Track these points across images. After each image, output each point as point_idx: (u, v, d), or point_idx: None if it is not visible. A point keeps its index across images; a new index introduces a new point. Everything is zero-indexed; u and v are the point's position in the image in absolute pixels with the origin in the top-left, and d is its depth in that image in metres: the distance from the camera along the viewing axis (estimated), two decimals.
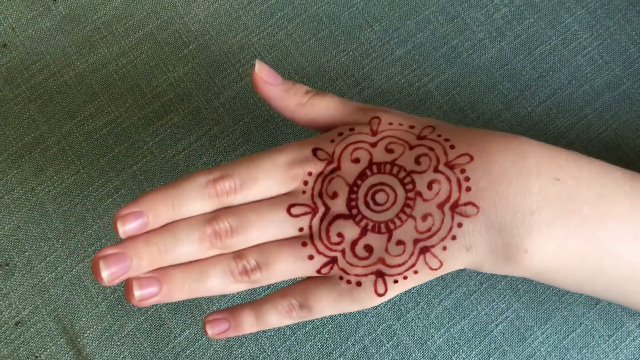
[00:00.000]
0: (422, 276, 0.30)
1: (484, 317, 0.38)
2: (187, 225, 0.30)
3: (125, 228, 0.29)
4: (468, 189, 0.29)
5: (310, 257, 0.30)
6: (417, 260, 0.29)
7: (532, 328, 0.38)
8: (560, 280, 0.31)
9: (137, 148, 0.41)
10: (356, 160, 0.30)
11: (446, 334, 0.38)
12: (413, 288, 0.39)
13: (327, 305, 0.30)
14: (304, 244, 0.30)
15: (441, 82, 0.42)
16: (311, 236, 0.30)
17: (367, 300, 0.30)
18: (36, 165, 0.41)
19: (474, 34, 0.43)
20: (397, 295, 0.39)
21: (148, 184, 0.41)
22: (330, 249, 0.30)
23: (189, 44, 0.43)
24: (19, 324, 0.39)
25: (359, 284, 0.30)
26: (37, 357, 0.38)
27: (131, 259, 0.29)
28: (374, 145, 0.31)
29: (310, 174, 0.31)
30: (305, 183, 0.31)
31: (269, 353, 0.38)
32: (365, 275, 0.30)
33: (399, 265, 0.29)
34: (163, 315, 0.39)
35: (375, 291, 0.30)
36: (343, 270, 0.30)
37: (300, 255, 0.30)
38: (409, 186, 0.30)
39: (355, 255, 0.30)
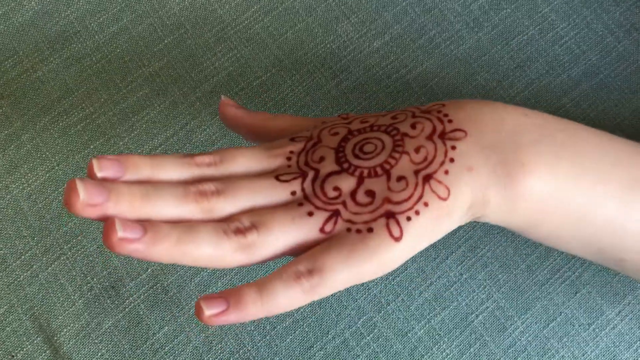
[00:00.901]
0: (434, 209, 0.28)
1: (464, 308, 0.38)
2: (168, 184, 0.28)
3: (102, 167, 0.27)
4: (450, 120, 0.30)
5: (310, 214, 0.28)
6: (423, 189, 0.28)
7: (513, 318, 0.38)
8: (555, 223, 0.30)
9: (113, 144, 0.41)
10: (335, 134, 0.30)
11: (427, 325, 0.38)
12: (393, 280, 0.39)
13: (340, 263, 0.27)
14: (300, 204, 0.28)
15: (419, 74, 0.42)
16: (306, 196, 0.29)
17: (384, 248, 0.27)
18: (10, 162, 0.41)
19: (451, 25, 0.43)
20: (378, 287, 0.38)
21: None
22: (330, 203, 0.28)
23: (164, 37, 0.43)
24: None
25: (370, 230, 0.27)
26: (13, 356, 0.38)
27: (110, 192, 0.26)
28: (348, 123, 0.31)
29: (291, 152, 0.30)
30: (289, 159, 0.30)
31: (249, 348, 0.38)
32: (374, 219, 0.28)
33: (407, 200, 0.28)
34: (141, 312, 0.38)
35: (390, 234, 0.27)
36: (349, 221, 0.28)
37: (299, 213, 0.28)
38: (394, 132, 0.30)
39: (357, 203, 0.28)
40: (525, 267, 0.39)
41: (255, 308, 0.27)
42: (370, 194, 0.28)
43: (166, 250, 0.26)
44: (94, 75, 0.42)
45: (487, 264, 0.39)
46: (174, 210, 0.27)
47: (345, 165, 0.29)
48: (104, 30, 0.43)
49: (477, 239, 0.39)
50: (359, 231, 0.28)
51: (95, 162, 0.27)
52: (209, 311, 0.26)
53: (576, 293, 0.39)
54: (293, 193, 0.28)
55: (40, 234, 0.39)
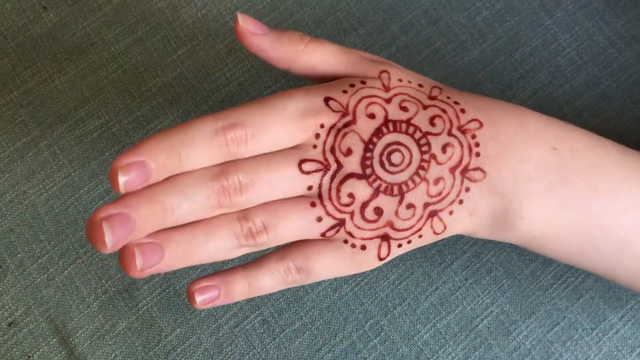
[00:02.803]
0: (424, 240, 0.30)
1: (469, 312, 0.39)
2: (193, 180, 0.27)
3: (127, 179, 0.26)
4: (477, 154, 0.30)
5: (319, 219, 0.29)
6: (424, 224, 0.30)
7: (517, 322, 0.39)
8: (550, 250, 0.31)
9: None
10: (371, 116, 0.29)
11: (433, 329, 0.39)
12: (399, 285, 0.39)
13: (327, 269, 0.30)
14: (313, 204, 0.29)
15: None
16: (320, 195, 0.29)
17: (367, 263, 0.30)
18: (28, 169, 0.42)
19: (456, 36, 0.44)
20: (385, 291, 0.39)
21: None
22: (340, 211, 0.29)
23: (178, 49, 0.44)
24: (12, 325, 0.39)
25: (363, 247, 0.29)
26: (29, 357, 0.39)
27: (135, 220, 0.26)
28: (388, 101, 0.30)
29: (322, 126, 0.29)
30: (317, 136, 0.29)
31: (258, 350, 0.39)
32: (371, 238, 0.29)
33: (407, 230, 0.29)
34: (154, 315, 0.39)
35: (379, 254, 0.30)
36: (349, 233, 0.29)
37: (309, 216, 0.29)
38: (425, 148, 0.29)
39: (364, 218, 0.29)
40: (529, 272, 0.40)
41: (241, 296, 0.30)
42: (378, 212, 0.29)
43: (181, 265, 0.28)
44: (109, 85, 0.43)
45: (491, 269, 0.40)
46: (194, 214, 0.28)
47: (368, 172, 0.29)
48: (120, 42, 0.44)
49: (482, 244, 0.40)
50: (353, 246, 0.29)
51: (120, 176, 0.26)
52: (201, 299, 0.29)
53: (579, 298, 0.39)
54: (309, 188, 0.29)
55: (56, 239, 0.41)
